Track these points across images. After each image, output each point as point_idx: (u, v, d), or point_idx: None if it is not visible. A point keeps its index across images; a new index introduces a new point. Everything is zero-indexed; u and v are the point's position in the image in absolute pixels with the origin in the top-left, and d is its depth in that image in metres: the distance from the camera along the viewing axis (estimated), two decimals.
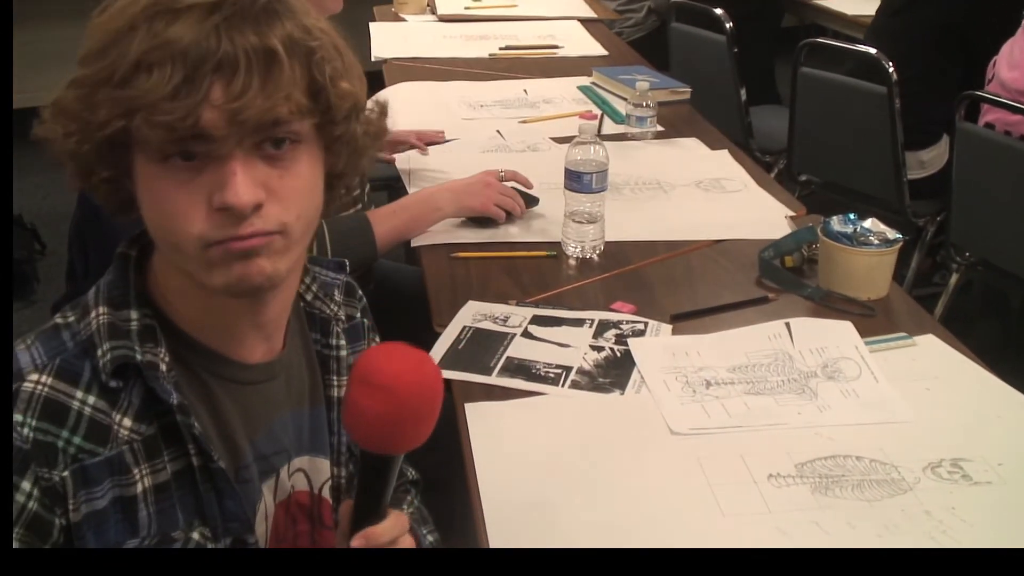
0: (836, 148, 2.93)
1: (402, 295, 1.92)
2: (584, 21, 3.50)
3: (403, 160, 2.17)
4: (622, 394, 1.34)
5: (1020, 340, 3.01)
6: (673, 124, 2.40)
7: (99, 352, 0.88)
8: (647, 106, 2.31)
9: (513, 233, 1.80)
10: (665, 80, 2.68)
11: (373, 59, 3.00)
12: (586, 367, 1.39)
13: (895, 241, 1.56)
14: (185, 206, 0.84)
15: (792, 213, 1.88)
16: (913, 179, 2.78)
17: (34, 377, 0.86)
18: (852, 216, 1.58)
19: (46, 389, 0.85)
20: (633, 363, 1.40)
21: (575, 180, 1.68)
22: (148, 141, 0.82)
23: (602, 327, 1.48)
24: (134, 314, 0.90)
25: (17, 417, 0.84)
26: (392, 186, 2.39)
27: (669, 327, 1.49)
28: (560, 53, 3.10)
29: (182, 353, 0.92)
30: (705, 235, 1.80)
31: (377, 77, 2.84)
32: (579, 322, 1.50)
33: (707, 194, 2.01)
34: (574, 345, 1.44)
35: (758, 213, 1.90)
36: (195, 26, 0.80)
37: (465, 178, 1.86)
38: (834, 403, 1.31)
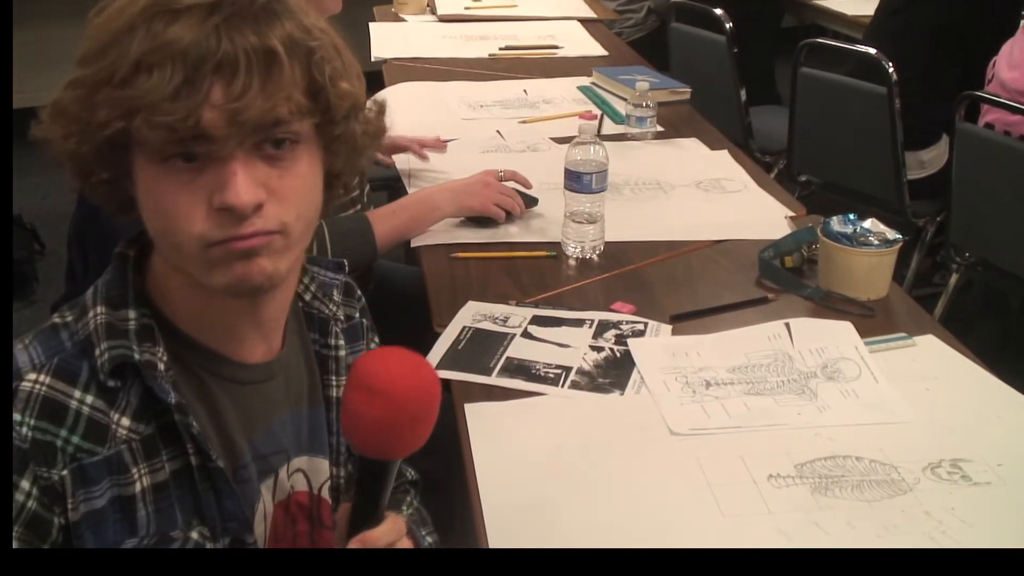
0: (836, 148, 2.93)
1: (402, 295, 1.92)
2: (584, 21, 3.50)
3: (403, 161, 2.17)
4: (622, 394, 1.34)
5: (1020, 340, 3.01)
6: (673, 124, 2.40)
7: (97, 352, 0.88)
8: (647, 106, 2.31)
9: (513, 233, 1.80)
10: (665, 80, 2.68)
11: (373, 59, 3.00)
12: (586, 367, 1.39)
13: (895, 241, 1.56)
14: (185, 207, 0.84)
15: (792, 213, 1.88)
16: (913, 179, 2.78)
17: (32, 376, 0.86)
18: (852, 216, 1.58)
19: (44, 388, 0.85)
20: (633, 363, 1.39)
21: (575, 180, 1.68)
22: (148, 142, 0.82)
23: (602, 327, 1.48)
24: (132, 314, 0.90)
25: (16, 416, 0.84)
26: (392, 186, 2.39)
27: (669, 327, 1.49)
28: (560, 53, 3.10)
29: (180, 353, 0.92)
30: (705, 235, 1.80)
31: (377, 77, 2.84)
32: (579, 322, 1.49)
33: (707, 194, 2.01)
34: (574, 345, 1.44)
35: (758, 213, 1.90)
36: (195, 26, 0.80)
37: (464, 178, 1.86)
38: (834, 403, 1.31)
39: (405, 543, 0.95)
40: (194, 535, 0.91)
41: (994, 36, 2.74)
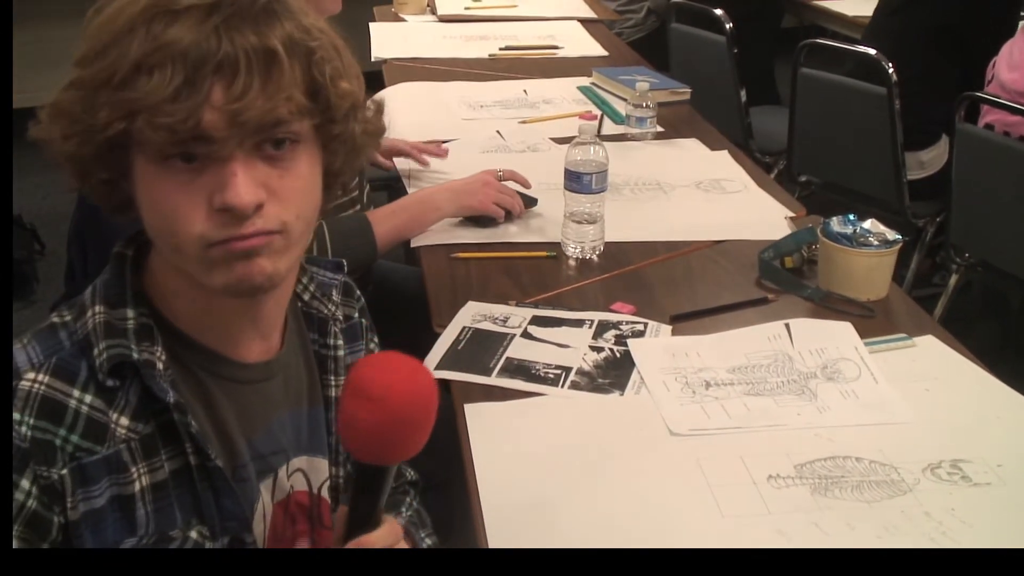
0: (836, 149, 2.93)
1: (402, 295, 1.92)
2: (584, 21, 3.49)
3: (403, 161, 2.17)
4: (622, 395, 1.34)
5: (1020, 341, 3.01)
6: (673, 125, 2.40)
7: (96, 351, 0.88)
8: (647, 107, 2.31)
9: (513, 233, 1.80)
10: (665, 81, 2.68)
11: (373, 59, 3.00)
12: (586, 368, 1.39)
13: (895, 242, 1.56)
14: (186, 207, 0.84)
15: (792, 214, 1.88)
16: (913, 180, 2.78)
17: (31, 376, 0.86)
18: (852, 217, 1.58)
19: (43, 388, 0.86)
20: (633, 364, 1.39)
21: (575, 180, 1.68)
22: (149, 143, 0.82)
23: (602, 328, 1.48)
24: (130, 313, 0.90)
25: (15, 416, 0.84)
26: (392, 186, 2.39)
27: (669, 328, 1.49)
28: (560, 53, 3.10)
29: (179, 352, 0.92)
30: (705, 236, 1.80)
31: (377, 77, 2.84)
32: (579, 323, 1.49)
33: (707, 195, 2.01)
34: (574, 346, 1.44)
35: (758, 214, 1.90)
36: (195, 27, 0.80)
37: (464, 178, 1.86)
38: (834, 404, 1.31)
39: (402, 547, 0.95)
40: (193, 534, 0.91)
41: (992, 37, 2.74)
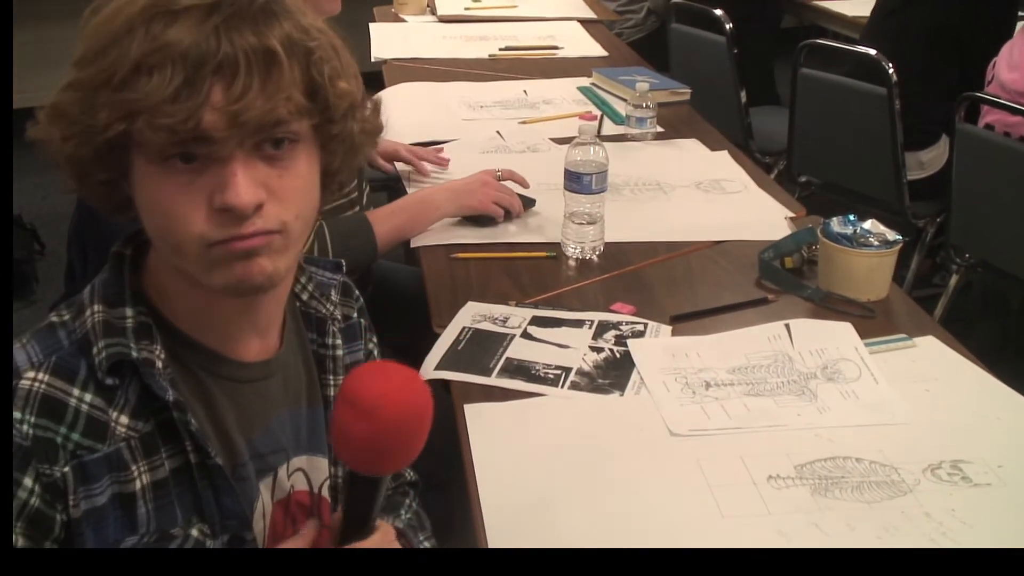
0: (836, 149, 2.93)
1: (401, 296, 1.92)
2: (584, 22, 3.49)
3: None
4: (621, 395, 1.34)
5: (1020, 341, 3.01)
6: (673, 125, 2.40)
7: (95, 350, 0.88)
8: (647, 107, 2.31)
9: (513, 233, 1.80)
10: (665, 81, 2.68)
11: (373, 59, 3.00)
12: (585, 368, 1.39)
13: (895, 242, 1.56)
14: (186, 207, 0.84)
15: (792, 214, 1.88)
16: (913, 180, 2.78)
17: (30, 375, 0.86)
18: (852, 217, 1.58)
19: (43, 386, 0.86)
20: (633, 364, 1.39)
21: (575, 181, 1.68)
22: (148, 143, 0.82)
23: (602, 328, 1.48)
24: (129, 312, 0.90)
25: (16, 415, 0.84)
26: (392, 187, 2.39)
27: (669, 328, 1.49)
28: (560, 54, 3.10)
29: (178, 351, 0.92)
30: (705, 236, 1.80)
31: (377, 78, 2.84)
32: (579, 323, 1.49)
33: (707, 195, 2.01)
34: (574, 346, 1.44)
35: (758, 214, 1.90)
36: (194, 28, 0.80)
37: (463, 178, 1.87)
38: (834, 404, 1.31)
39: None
40: (194, 532, 0.91)
41: (991, 37, 2.74)
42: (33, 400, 0.85)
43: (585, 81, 2.77)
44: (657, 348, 1.43)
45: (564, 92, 2.68)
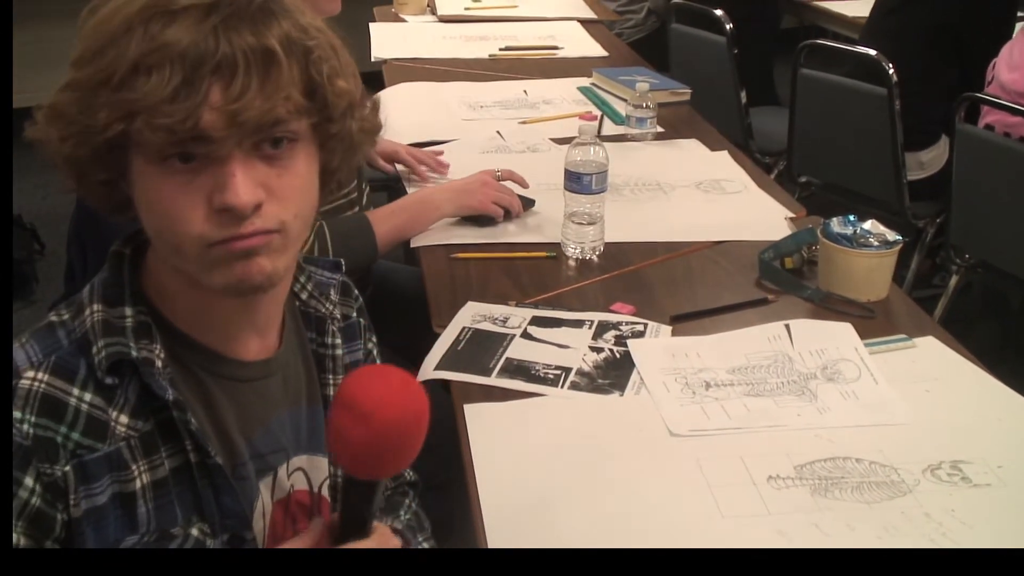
0: (836, 149, 2.93)
1: (401, 296, 1.92)
2: (584, 22, 3.49)
3: None
4: (621, 395, 1.33)
5: (1020, 342, 3.01)
6: (673, 125, 2.40)
7: (94, 349, 0.88)
8: (647, 107, 2.31)
9: (513, 233, 1.80)
10: (665, 81, 2.68)
11: (373, 59, 3.00)
12: (585, 368, 1.39)
13: (895, 243, 1.56)
14: (185, 207, 0.84)
15: (792, 214, 1.88)
16: (913, 180, 2.78)
17: (30, 374, 0.86)
18: (852, 218, 1.58)
19: (43, 386, 0.86)
20: (632, 364, 1.39)
21: (575, 181, 1.68)
22: (147, 143, 0.82)
23: (601, 328, 1.48)
24: (128, 311, 0.90)
25: (16, 414, 0.84)
26: (392, 187, 2.39)
27: (669, 328, 1.49)
28: (560, 54, 3.10)
29: (177, 350, 0.92)
30: (705, 236, 1.80)
31: (377, 77, 2.84)
32: (578, 323, 1.49)
33: (707, 195, 2.01)
34: (573, 346, 1.44)
35: (758, 214, 1.90)
36: (192, 28, 0.80)
37: (463, 178, 1.87)
38: (834, 405, 1.31)
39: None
40: (194, 532, 0.91)
41: (991, 37, 2.74)
42: (33, 399, 0.85)
43: (585, 81, 2.77)
44: (657, 348, 1.43)
45: (564, 92, 2.68)
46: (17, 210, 3.55)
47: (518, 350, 1.42)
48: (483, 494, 1.14)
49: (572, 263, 1.71)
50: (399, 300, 1.88)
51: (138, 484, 0.89)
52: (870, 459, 1.20)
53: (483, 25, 3.43)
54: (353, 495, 0.91)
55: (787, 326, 1.47)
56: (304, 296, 1.06)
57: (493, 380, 1.36)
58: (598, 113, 2.43)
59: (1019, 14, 3.00)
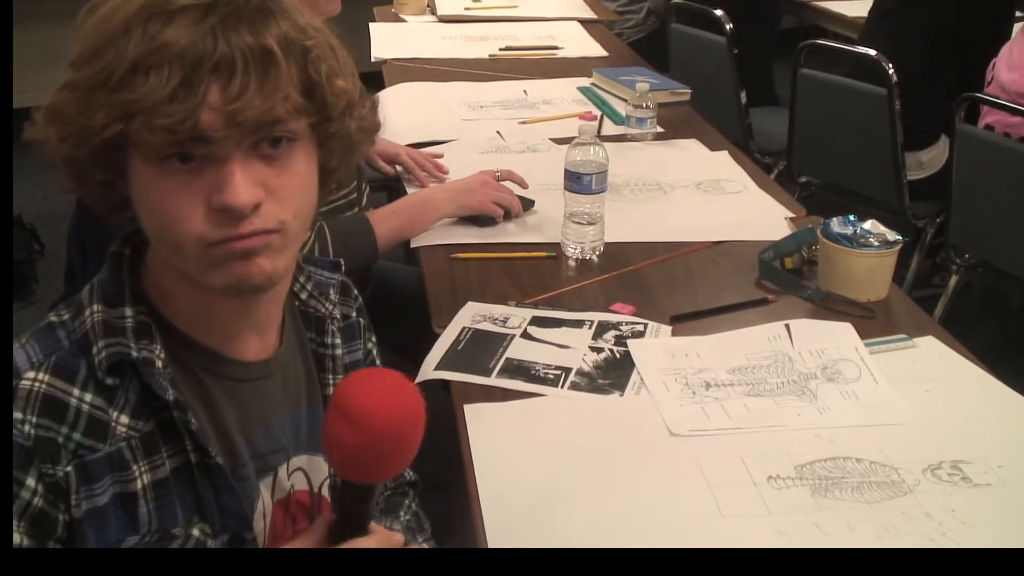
0: (836, 149, 2.93)
1: (401, 296, 1.92)
2: (584, 22, 3.49)
3: None
4: (621, 395, 1.33)
5: (1020, 342, 3.00)
6: (673, 125, 2.40)
7: (94, 349, 0.88)
8: (647, 107, 2.31)
9: (513, 234, 1.80)
10: (665, 81, 2.68)
11: (373, 59, 2.99)
12: (585, 368, 1.39)
13: (895, 243, 1.56)
14: (184, 208, 0.84)
15: (792, 214, 1.88)
16: (913, 180, 2.78)
17: (31, 375, 0.86)
18: (852, 218, 1.58)
19: (43, 386, 0.86)
20: (632, 364, 1.39)
21: (575, 181, 1.68)
22: (146, 144, 0.82)
23: (601, 328, 1.48)
24: (128, 311, 0.90)
25: (17, 415, 0.84)
26: (392, 187, 2.39)
27: (669, 328, 1.49)
28: (560, 54, 3.10)
29: (177, 351, 0.92)
30: (705, 236, 1.80)
31: (377, 77, 2.84)
32: (578, 323, 1.49)
33: (707, 195, 2.01)
34: (573, 346, 1.43)
35: (758, 214, 1.90)
36: (191, 28, 0.80)
37: (463, 178, 1.87)
38: (834, 405, 1.31)
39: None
40: (195, 532, 0.91)
41: (990, 37, 2.74)
42: (34, 400, 0.85)
43: (585, 81, 2.77)
44: (657, 348, 1.43)
45: (564, 92, 2.68)
46: (17, 210, 3.54)
47: (518, 350, 1.42)
48: (483, 494, 1.14)
49: (572, 263, 1.71)
50: (399, 300, 1.88)
51: (139, 484, 0.89)
52: (870, 459, 1.20)
53: (483, 25, 3.43)
54: (349, 498, 0.91)
55: (787, 326, 1.47)
56: (304, 296, 1.06)
57: (493, 380, 1.36)
58: (598, 113, 2.43)
59: (1018, 14, 3.01)
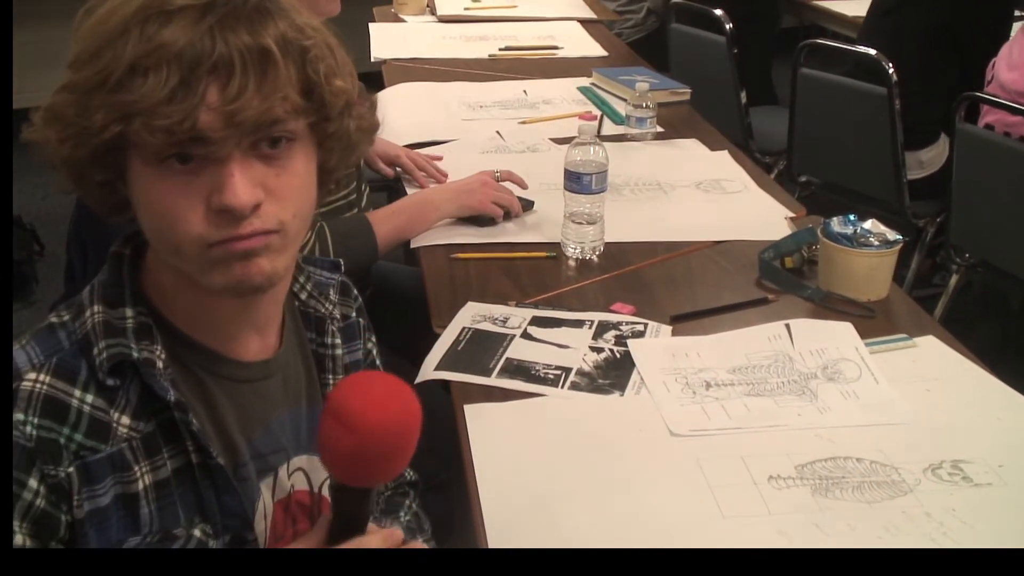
0: (836, 149, 2.93)
1: (401, 296, 1.92)
2: (584, 22, 3.49)
3: None
4: (622, 395, 1.33)
5: (1020, 341, 3.01)
6: (673, 125, 2.40)
7: (95, 350, 0.88)
8: (647, 107, 2.31)
9: (513, 233, 1.80)
10: (665, 81, 2.68)
11: (373, 60, 2.99)
12: (586, 368, 1.39)
13: (895, 242, 1.56)
14: (183, 208, 0.84)
15: (792, 214, 1.88)
16: (913, 179, 2.78)
17: (32, 376, 0.86)
18: (852, 217, 1.58)
19: (45, 387, 0.86)
20: (633, 364, 1.39)
21: (575, 181, 1.68)
22: (145, 145, 0.82)
23: (602, 328, 1.48)
24: (129, 312, 0.90)
25: (19, 416, 0.84)
26: (392, 187, 2.39)
27: (669, 328, 1.49)
28: (560, 54, 3.10)
29: (178, 351, 0.92)
30: (705, 236, 1.80)
31: (377, 78, 2.84)
32: (579, 323, 1.49)
33: (707, 195, 2.01)
34: (574, 346, 1.43)
35: (758, 214, 1.90)
36: (189, 28, 0.80)
37: (462, 179, 1.87)
38: (834, 404, 1.31)
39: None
40: (196, 533, 0.91)
41: (989, 36, 2.74)
42: (36, 401, 0.85)
43: (585, 81, 2.77)
44: (657, 348, 1.43)
45: (564, 92, 2.67)
46: (17, 210, 3.54)
47: (518, 350, 1.42)
48: (483, 494, 1.14)
49: (572, 263, 1.71)
50: (399, 300, 1.88)
51: (140, 485, 0.89)
52: (871, 459, 1.20)
53: (483, 25, 3.43)
54: (346, 502, 0.91)
55: (787, 326, 1.47)
56: (303, 296, 1.06)
57: (493, 380, 1.36)
58: (598, 113, 2.43)
59: (1017, 13, 3.00)
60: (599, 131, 2.29)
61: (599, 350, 1.43)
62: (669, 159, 2.21)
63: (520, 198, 1.85)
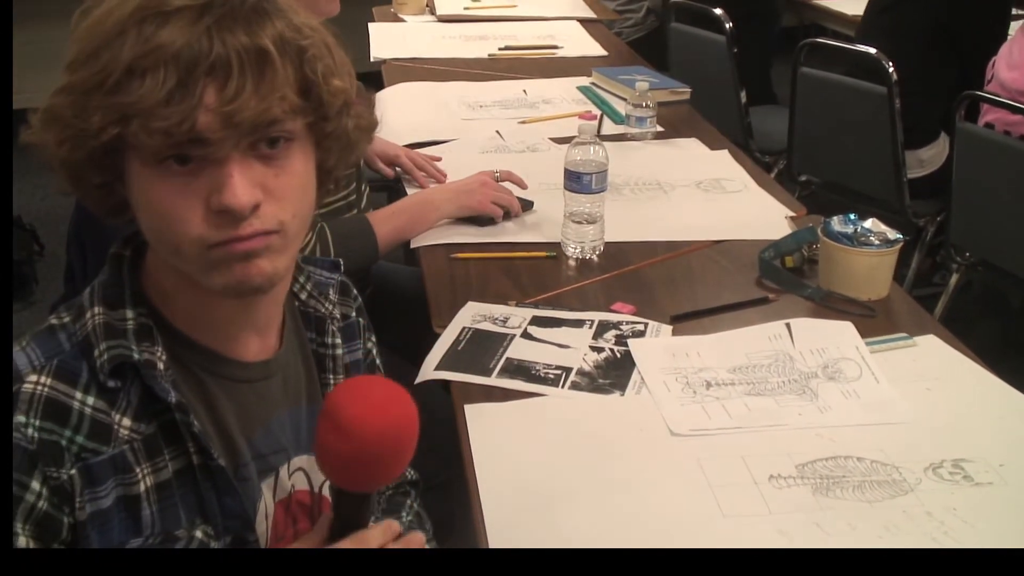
0: (836, 148, 2.93)
1: (401, 296, 1.92)
2: (583, 21, 3.49)
3: None
4: (622, 395, 1.33)
5: (1020, 340, 3.00)
6: (673, 124, 2.40)
7: (96, 352, 0.88)
8: (647, 106, 2.31)
9: (513, 233, 1.80)
10: (665, 80, 2.68)
11: (372, 59, 2.99)
12: (586, 368, 1.39)
13: (895, 241, 1.56)
14: (183, 210, 0.84)
15: (792, 213, 1.88)
16: (913, 178, 2.78)
17: (33, 378, 0.86)
18: (852, 216, 1.58)
19: (46, 389, 0.86)
20: (633, 364, 1.39)
21: (575, 180, 1.68)
22: (143, 146, 0.81)
23: (602, 328, 1.48)
24: (130, 313, 0.90)
25: (20, 418, 0.84)
26: (392, 187, 2.39)
27: (669, 328, 1.49)
28: (559, 53, 3.10)
29: (178, 352, 0.92)
30: (705, 235, 1.80)
31: (376, 78, 2.84)
32: (579, 323, 1.49)
33: (707, 194, 2.01)
34: (574, 346, 1.43)
35: (758, 213, 1.90)
36: (186, 29, 0.80)
37: (462, 179, 1.86)
38: (835, 404, 1.30)
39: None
40: (198, 534, 0.91)
41: (987, 35, 2.74)
42: (37, 403, 0.85)
43: (585, 81, 2.77)
44: (657, 348, 1.43)
45: (564, 92, 2.67)
46: (16, 211, 3.54)
47: (518, 350, 1.42)
48: (483, 494, 1.14)
49: (572, 263, 1.71)
50: (399, 300, 1.88)
51: (142, 487, 0.89)
52: (871, 458, 1.20)
53: (482, 25, 3.43)
54: (345, 505, 0.91)
55: (788, 325, 1.47)
56: (303, 296, 1.06)
57: (493, 380, 1.36)
58: (598, 112, 2.43)
59: (1016, 12, 3.00)
60: (599, 131, 2.28)
61: (599, 350, 1.43)
62: (669, 159, 2.21)
63: (520, 198, 1.85)
